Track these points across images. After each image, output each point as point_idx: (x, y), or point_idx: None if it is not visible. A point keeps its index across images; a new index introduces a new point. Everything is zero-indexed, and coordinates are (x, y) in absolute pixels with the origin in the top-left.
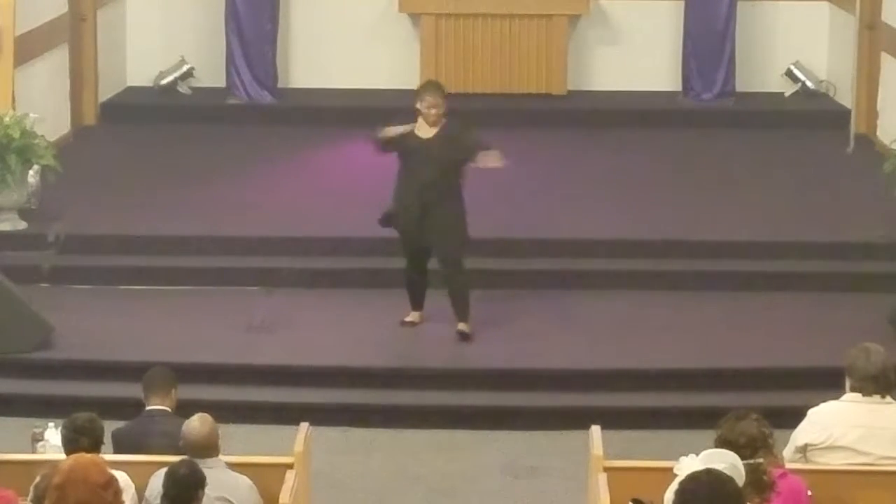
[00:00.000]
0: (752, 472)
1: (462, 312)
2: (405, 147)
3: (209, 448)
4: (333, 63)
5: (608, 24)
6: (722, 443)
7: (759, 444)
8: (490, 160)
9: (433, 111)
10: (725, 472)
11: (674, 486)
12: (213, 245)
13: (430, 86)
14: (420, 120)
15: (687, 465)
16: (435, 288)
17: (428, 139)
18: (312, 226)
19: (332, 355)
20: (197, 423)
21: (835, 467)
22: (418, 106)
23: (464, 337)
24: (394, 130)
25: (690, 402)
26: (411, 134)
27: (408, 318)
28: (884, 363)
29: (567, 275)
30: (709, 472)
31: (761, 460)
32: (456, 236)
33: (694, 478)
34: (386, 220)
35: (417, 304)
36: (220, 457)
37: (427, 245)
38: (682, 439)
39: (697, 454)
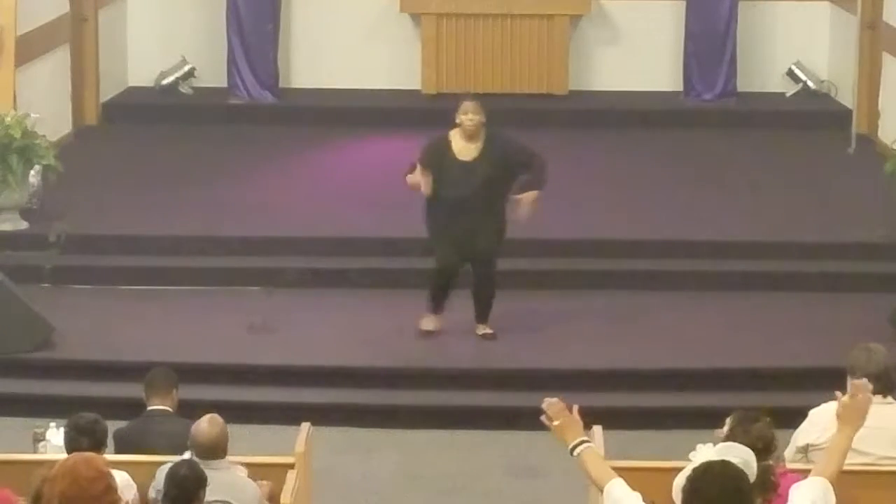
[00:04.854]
0: (763, 472)
1: (485, 315)
2: (443, 172)
3: (217, 450)
4: (334, 63)
5: (609, 24)
6: None
7: (772, 446)
8: (529, 200)
9: (470, 116)
10: (738, 465)
11: (686, 471)
12: (213, 245)
13: (467, 96)
14: (456, 137)
15: (703, 454)
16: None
17: (471, 161)
18: (313, 226)
19: (332, 355)
20: (206, 425)
21: None
22: (457, 119)
23: (490, 337)
24: (419, 181)
25: (690, 402)
26: (449, 157)
27: (427, 327)
28: (885, 363)
29: (567, 275)
30: (724, 465)
31: (771, 462)
32: (496, 240)
33: (708, 468)
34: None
35: (440, 309)
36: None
37: (467, 259)
38: (682, 439)
39: (715, 444)
